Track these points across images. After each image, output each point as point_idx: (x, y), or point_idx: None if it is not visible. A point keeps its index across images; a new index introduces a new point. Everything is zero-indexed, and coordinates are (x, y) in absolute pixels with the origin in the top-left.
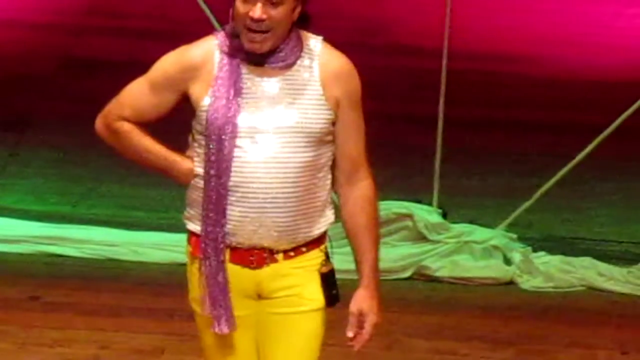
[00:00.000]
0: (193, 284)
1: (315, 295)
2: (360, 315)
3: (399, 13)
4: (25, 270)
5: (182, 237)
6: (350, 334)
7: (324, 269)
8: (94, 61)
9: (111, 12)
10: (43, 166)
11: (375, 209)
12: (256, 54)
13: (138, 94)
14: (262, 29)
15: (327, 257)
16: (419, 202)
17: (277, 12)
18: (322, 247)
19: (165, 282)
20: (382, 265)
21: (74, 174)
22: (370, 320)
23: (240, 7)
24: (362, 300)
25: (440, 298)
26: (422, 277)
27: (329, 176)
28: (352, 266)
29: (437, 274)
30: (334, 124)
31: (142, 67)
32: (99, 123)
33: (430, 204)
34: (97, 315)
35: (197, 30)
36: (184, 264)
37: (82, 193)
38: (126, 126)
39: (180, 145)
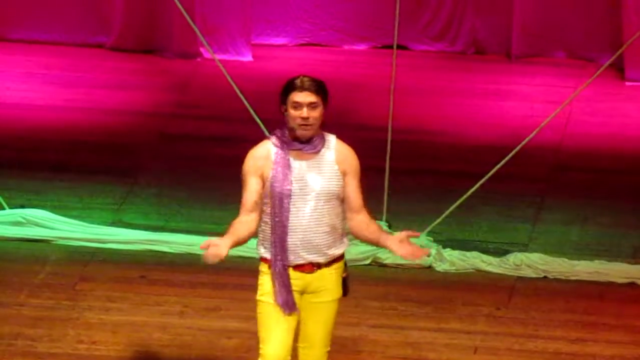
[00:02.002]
0: (264, 287)
1: (338, 290)
2: (406, 238)
3: (361, 106)
4: (137, 260)
5: None
6: (408, 257)
7: (344, 274)
8: (180, 134)
9: (189, 104)
10: (149, 198)
11: (375, 222)
12: (298, 144)
13: (252, 191)
14: (308, 124)
15: (346, 266)
16: (374, 218)
17: (315, 113)
18: (343, 260)
19: (223, 267)
20: (350, 256)
21: (168, 202)
22: (412, 233)
23: (293, 113)
24: (399, 234)
25: (387, 276)
26: (376, 263)
27: (343, 217)
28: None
29: (385, 261)
30: (343, 186)
31: (208, 139)
32: None
33: (381, 220)
34: (181, 287)
35: (240, 116)
36: (233, 257)
37: (172, 213)
38: (235, 220)
39: None
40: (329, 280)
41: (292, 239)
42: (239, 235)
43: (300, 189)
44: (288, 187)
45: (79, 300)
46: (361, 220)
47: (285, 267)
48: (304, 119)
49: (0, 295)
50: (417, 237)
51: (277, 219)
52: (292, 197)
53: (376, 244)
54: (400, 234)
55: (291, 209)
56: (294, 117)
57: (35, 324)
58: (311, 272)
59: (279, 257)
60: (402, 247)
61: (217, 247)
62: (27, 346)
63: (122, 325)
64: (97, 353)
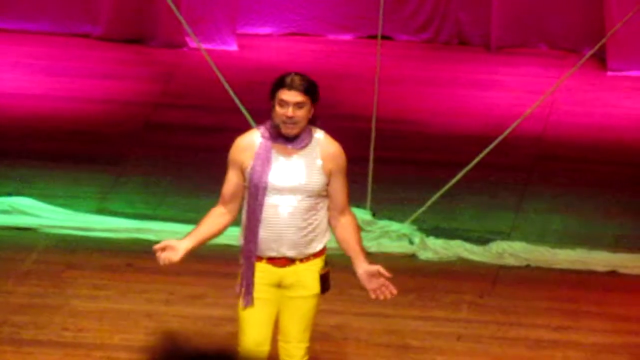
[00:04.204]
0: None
1: (313, 286)
2: (378, 274)
3: (345, 95)
4: (124, 248)
5: None
6: (373, 293)
7: (322, 271)
8: (166, 123)
9: (175, 93)
10: (135, 186)
11: (357, 228)
12: (282, 138)
13: (227, 182)
14: (292, 122)
15: (326, 264)
16: (358, 207)
17: (300, 112)
18: (323, 257)
19: (208, 255)
20: (335, 245)
21: (153, 190)
22: (384, 272)
23: (279, 110)
24: (371, 266)
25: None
26: None
27: (326, 215)
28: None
29: (370, 250)
30: (328, 184)
31: (193, 128)
32: None
33: (365, 208)
34: (167, 275)
35: (225, 106)
36: (218, 245)
37: (158, 202)
38: (211, 211)
39: None
40: (304, 276)
41: (265, 232)
42: (208, 232)
43: (279, 183)
44: (265, 180)
45: (65, 287)
46: (343, 226)
47: (252, 260)
48: (288, 117)
49: None
50: (389, 277)
51: (251, 211)
52: (269, 190)
53: (348, 256)
54: (372, 267)
55: (267, 202)
56: (279, 114)
57: (21, 311)
58: (284, 266)
59: (248, 248)
60: (371, 281)
61: (172, 252)
62: (12, 333)
63: (108, 312)
64: (83, 340)
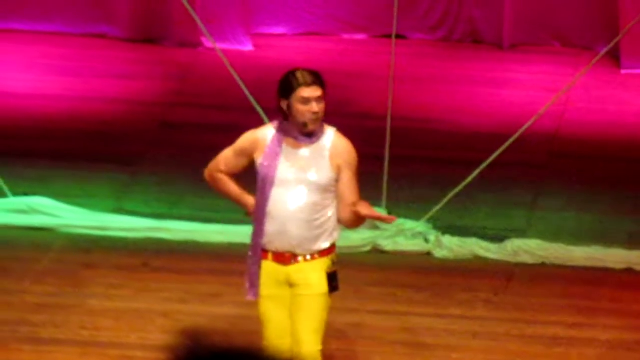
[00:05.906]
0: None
1: (321, 284)
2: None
3: (360, 94)
4: (139, 248)
5: (232, 228)
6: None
7: (329, 270)
8: (180, 122)
9: (190, 93)
10: (151, 186)
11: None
12: (295, 134)
13: (228, 157)
14: (318, 117)
15: (333, 263)
16: (374, 205)
17: (321, 106)
18: (331, 256)
19: (224, 254)
20: (350, 243)
21: (169, 190)
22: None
23: (302, 108)
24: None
25: (386, 263)
26: (376, 250)
27: (335, 213)
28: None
29: (385, 248)
30: (337, 180)
31: (208, 128)
32: (206, 174)
33: (380, 206)
34: (183, 274)
35: (240, 105)
36: (234, 244)
37: (174, 201)
38: (221, 176)
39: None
40: (310, 274)
41: (271, 225)
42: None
43: (286, 177)
44: (272, 173)
45: (82, 287)
46: (349, 212)
47: (259, 253)
48: (314, 113)
49: (4, 283)
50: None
51: (258, 203)
52: (276, 183)
53: (355, 216)
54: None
55: (273, 195)
56: (303, 112)
57: (39, 311)
58: (289, 263)
59: (256, 242)
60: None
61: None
62: (30, 332)
63: (125, 311)
64: (100, 339)
